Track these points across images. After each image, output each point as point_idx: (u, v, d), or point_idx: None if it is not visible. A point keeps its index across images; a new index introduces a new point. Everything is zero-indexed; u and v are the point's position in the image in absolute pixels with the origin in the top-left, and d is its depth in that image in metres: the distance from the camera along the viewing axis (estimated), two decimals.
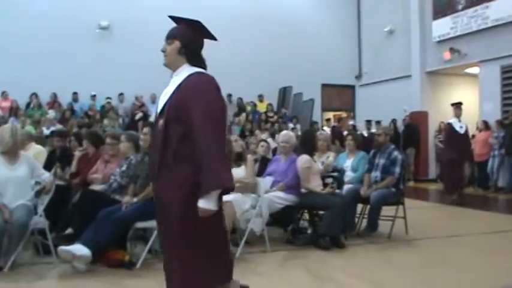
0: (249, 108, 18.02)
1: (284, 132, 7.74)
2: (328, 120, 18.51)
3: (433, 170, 16.84)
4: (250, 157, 6.98)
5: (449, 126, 11.59)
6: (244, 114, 17.20)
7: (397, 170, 7.14)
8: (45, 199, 5.62)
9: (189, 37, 3.29)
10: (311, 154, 7.00)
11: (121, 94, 16.88)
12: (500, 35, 13.86)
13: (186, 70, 3.25)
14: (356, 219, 7.46)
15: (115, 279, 5.12)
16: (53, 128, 12.36)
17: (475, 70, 15.48)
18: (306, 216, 7.33)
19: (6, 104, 15.46)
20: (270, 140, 11.63)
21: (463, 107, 11.44)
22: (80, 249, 5.12)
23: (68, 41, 15.67)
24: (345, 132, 13.17)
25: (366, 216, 7.45)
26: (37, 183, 5.65)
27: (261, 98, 18.58)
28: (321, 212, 6.87)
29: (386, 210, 7.24)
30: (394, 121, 16.80)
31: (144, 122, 11.11)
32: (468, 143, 12.21)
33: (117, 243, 5.55)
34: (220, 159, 2.98)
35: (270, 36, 18.11)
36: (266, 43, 18.06)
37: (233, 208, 5.94)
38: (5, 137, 5.49)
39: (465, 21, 15.05)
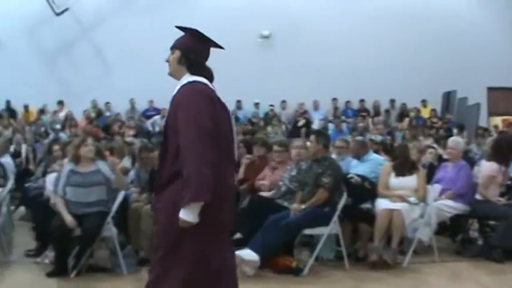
0: (412, 114, 17.43)
1: (452, 138, 7.37)
2: (495, 126, 17.28)
3: None
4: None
5: None
6: (407, 120, 16.67)
7: None
8: None
9: (189, 46, 3.22)
10: (504, 163, 6.49)
11: (283, 101, 17.14)
12: None
13: (185, 79, 3.14)
14: None
15: (282, 285, 5.16)
16: None
17: None
18: (476, 225, 6.85)
19: None
20: (435, 146, 11.10)
21: None
22: (248, 254, 5.20)
23: (231, 50, 16.14)
24: None
25: None
26: None
27: (424, 103, 17.89)
28: (492, 222, 6.42)
29: None
30: None
31: (307, 130, 11.10)
32: None
33: (285, 249, 5.57)
34: (196, 171, 2.82)
35: (433, 40, 17.31)
36: (429, 47, 17.29)
37: (402, 216, 5.70)
38: None
39: None
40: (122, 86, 15.79)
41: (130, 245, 5.74)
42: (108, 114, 16.17)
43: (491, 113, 18.74)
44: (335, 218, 5.57)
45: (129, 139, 9.80)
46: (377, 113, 17.26)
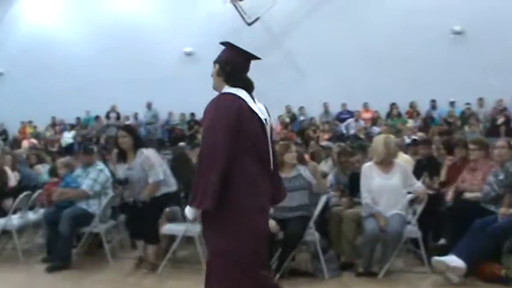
0: None
1: None
2: None
3: None
4: None
5: None
6: None
7: None
8: (418, 209, 5.69)
9: (225, 59, 3.46)
10: None
11: (480, 99, 16.23)
12: None
13: (223, 91, 3.41)
14: None
15: None
16: (414, 137, 12.54)
17: None
18: None
19: (368, 115, 16.30)
20: None
21: None
22: (453, 260, 5.04)
23: (421, 48, 15.77)
24: None
25: None
26: (409, 192, 5.74)
27: None
28: None
29: None
30: None
31: (507, 128, 10.37)
32: None
33: (492, 256, 5.31)
34: (199, 180, 3.18)
35: None
36: None
37: None
38: (378, 147, 5.75)
39: None
40: (315, 90, 16.09)
41: (331, 250, 5.84)
42: (302, 118, 16.57)
43: None
44: None
45: (324, 143, 9.96)
46: None
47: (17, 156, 9.47)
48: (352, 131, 15.28)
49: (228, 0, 16.66)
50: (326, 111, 16.89)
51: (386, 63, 15.74)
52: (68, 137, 17.97)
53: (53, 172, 7.37)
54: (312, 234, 5.55)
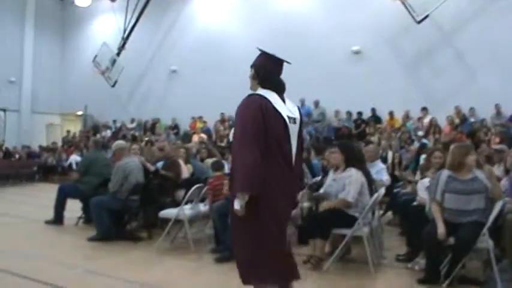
0: None
1: None
2: None
3: None
4: None
5: None
6: None
7: None
8: None
9: (258, 64, 3.86)
10: None
11: None
12: None
13: (257, 92, 3.76)
14: None
15: None
16: None
17: None
18: None
19: None
20: None
21: None
22: None
23: None
24: None
25: None
26: None
27: None
28: None
29: None
30: None
31: None
32: None
33: None
34: (238, 168, 3.53)
35: None
36: None
37: None
38: None
39: None
40: (486, 90, 15.11)
41: (505, 259, 5.32)
42: (472, 120, 15.63)
43: None
44: None
45: (497, 146, 9.26)
46: None
47: (190, 149, 9.87)
48: None
49: None
50: (498, 113, 15.69)
51: None
52: None
53: (215, 167, 7.46)
54: (486, 241, 5.09)
